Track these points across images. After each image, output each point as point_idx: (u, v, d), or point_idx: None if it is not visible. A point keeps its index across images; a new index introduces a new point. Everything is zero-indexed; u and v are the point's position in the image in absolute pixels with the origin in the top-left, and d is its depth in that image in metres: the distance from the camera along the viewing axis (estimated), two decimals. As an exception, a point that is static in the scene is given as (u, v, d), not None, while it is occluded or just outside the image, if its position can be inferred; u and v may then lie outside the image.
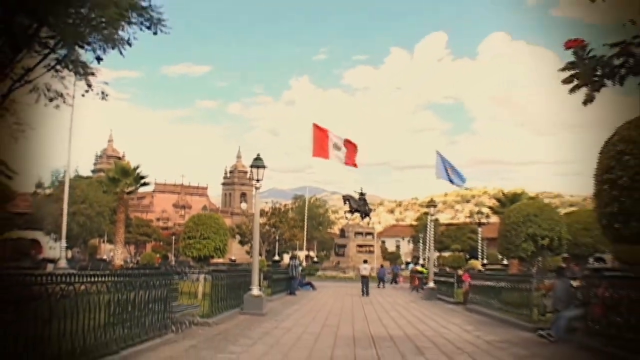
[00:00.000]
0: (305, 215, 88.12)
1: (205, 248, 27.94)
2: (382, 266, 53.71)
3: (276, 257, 72.30)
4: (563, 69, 6.55)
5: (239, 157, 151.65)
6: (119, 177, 53.51)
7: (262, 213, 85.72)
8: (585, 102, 6.53)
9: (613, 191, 14.41)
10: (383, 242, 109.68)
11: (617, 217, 14.49)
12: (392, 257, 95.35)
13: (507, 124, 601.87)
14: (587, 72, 6.37)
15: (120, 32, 16.60)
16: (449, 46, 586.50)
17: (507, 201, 54.79)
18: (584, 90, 6.48)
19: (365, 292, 35.73)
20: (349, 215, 74.22)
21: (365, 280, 37.13)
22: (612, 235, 15.45)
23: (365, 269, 38.71)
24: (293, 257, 45.44)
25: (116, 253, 52.50)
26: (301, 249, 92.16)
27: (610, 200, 14.56)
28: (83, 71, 17.31)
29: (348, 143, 38.63)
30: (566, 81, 6.53)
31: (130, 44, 17.09)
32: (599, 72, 6.35)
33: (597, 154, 15.61)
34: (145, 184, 57.81)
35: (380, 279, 47.73)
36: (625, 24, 6.18)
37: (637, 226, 14.02)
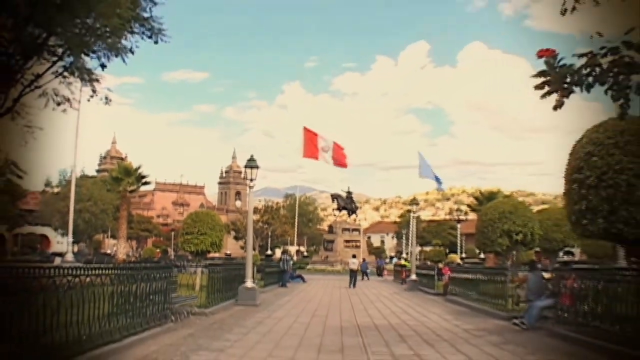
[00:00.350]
0: (296, 212, 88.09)
1: (202, 243, 27.86)
2: (364, 260, 53.72)
3: (269, 252, 72.15)
4: (535, 76, 6.58)
5: (234, 158, 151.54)
6: (122, 176, 53.38)
7: (256, 210, 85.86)
8: (555, 108, 6.56)
9: (581, 190, 14.50)
10: (369, 237, 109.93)
11: (585, 214, 14.58)
12: (377, 252, 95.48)
13: (483, 127, 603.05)
14: (557, 80, 6.40)
15: (123, 41, 16.62)
16: (430, 55, 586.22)
17: (484, 199, 55.05)
18: (554, 96, 6.52)
19: (353, 284, 35.89)
20: (337, 212, 74.20)
21: (353, 273, 37.38)
22: (580, 231, 15.55)
23: (354, 264, 38.86)
24: (284, 252, 45.46)
25: (119, 248, 52.25)
26: (292, 244, 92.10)
27: (579, 198, 14.64)
28: (88, 77, 17.30)
29: (336, 146, 38.72)
30: (538, 88, 6.56)
31: (132, 52, 17.11)
32: (568, 80, 6.38)
33: (566, 156, 15.70)
34: (146, 183, 57.67)
35: (364, 272, 47.74)
36: (592, 35, 6.23)
37: (603, 223, 14.10)
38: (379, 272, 56.27)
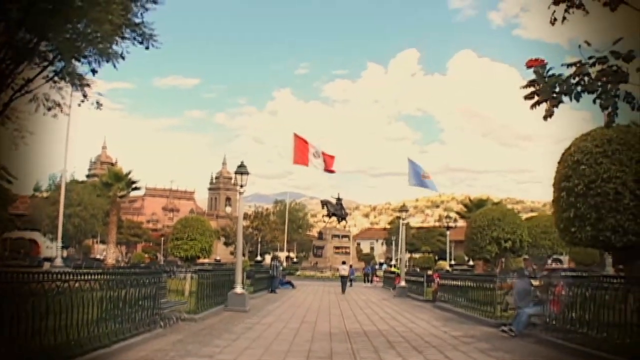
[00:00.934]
0: (286, 218, 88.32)
1: (192, 249, 27.84)
2: (350, 266, 53.70)
3: (258, 258, 72.16)
4: (525, 86, 6.62)
5: (224, 163, 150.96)
6: (112, 181, 53.37)
7: (246, 216, 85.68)
8: (545, 117, 6.60)
9: (570, 198, 14.58)
10: (358, 243, 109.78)
11: (573, 222, 14.66)
12: (367, 258, 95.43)
13: (473, 134, 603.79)
14: (546, 90, 6.44)
15: (114, 47, 16.64)
16: (420, 62, 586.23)
17: (473, 206, 55.21)
18: (544, 106, 6.55)
19: (343, 290, 36.04)
20: (326, 218, 74.16)
21: (344, 279, 37.60)
22: (568, 239, 15.62)
23: (344, 270, 39.14)
24: (274, 258, 45.41)
25: (108, 253, 52.18)
26: (282, 249, 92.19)
27: (567, 206, 14.72)
28: (79, 82, 17.32)
29: (325, 155, 38.73)
30: (528, 98, 6.60)
31: (123, 58, 17.13)
32: (557, 90, 6.41)
33: (555, 164, 15.79)
34: (136, 188, 57.78)
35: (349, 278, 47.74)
36: (580, 45, 6.27)
37: (591, 230, 14.18)
38: (367, 279, 56.11)
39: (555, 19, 6.84)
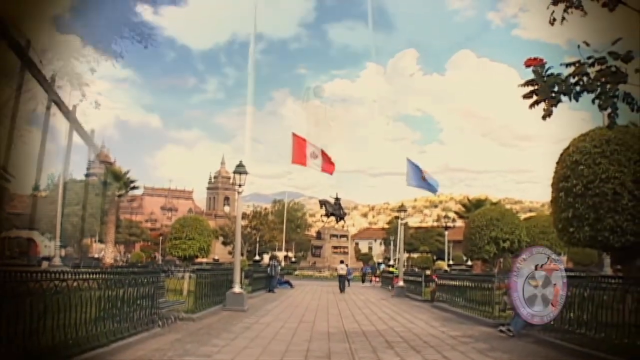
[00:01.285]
0: (285, 218, 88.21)
1: (190, 248, 27.74)
2: (347, 265, 53.73)
3: (257, 257, 71.92)
4: (523, 85, 6.60)
5: (223, 163, 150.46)
6: (110, 181, 53.29)
7: (244, 216, 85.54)
8: (544, 117, 6.58)
9: (568, 198, 14.58)
10: (357, 243, 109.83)
11: (571, 222, 14.66)
12: (365, 258, 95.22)
13: (473, 134, 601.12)
14: (545, 89, 6.42)
15: (113, 46, 16.63)
16: (419, 62, 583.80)
17: (471, 206, 55.01)
18: (542, 105, 6.53)
19: (341, 289, 36.07)
20: (325, 218, 74.17)
21: (342, 278, 37.66)
22: (567, 239, 15.65)
23: (342, 269, 39.17)
24: (272, 257, 45.46)
25: (107, 252, 52.11)
26: (280, 249, 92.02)
27: (566, 206, 14.72)
28: (78, 82, 17.30)
29: (323, 154, 38.67)
30: (526, 96, 6.58)
31: (122, 57, 17.13)
32: (556, 89, 6.40)
33: (554, 164, 15.79)
34: (134, 188, 57.68)
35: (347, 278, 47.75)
36: (579, 45, 6.26)
37: (589, 230, 14.19)
38: (364, 279, 55.99)
39: (554, 19, 6.82)
